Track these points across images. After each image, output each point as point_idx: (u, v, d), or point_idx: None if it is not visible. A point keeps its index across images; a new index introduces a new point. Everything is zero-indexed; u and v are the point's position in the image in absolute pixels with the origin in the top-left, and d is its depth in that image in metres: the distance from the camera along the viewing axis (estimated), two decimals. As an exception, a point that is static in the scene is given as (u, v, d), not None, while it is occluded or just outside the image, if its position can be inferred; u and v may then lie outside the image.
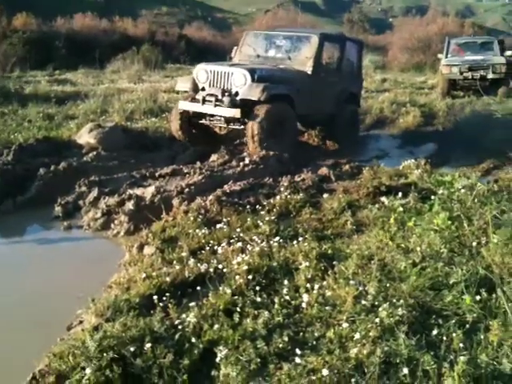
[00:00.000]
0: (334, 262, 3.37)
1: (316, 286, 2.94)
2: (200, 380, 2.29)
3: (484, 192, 4.87)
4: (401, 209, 4.33)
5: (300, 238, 3.79)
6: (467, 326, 2.69)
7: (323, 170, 6.47)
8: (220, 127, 8.02)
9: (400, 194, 4.85)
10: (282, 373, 2.24)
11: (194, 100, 7.43)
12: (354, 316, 2.69)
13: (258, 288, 3.02)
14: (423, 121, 11.05)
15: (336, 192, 5.34)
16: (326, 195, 5.08)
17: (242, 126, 7.33)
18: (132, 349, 2.38)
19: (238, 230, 4.03)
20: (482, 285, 3.02)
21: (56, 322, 3.20)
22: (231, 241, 3.76)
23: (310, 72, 7.88)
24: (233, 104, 7.01)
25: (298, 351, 2.38)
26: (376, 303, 2.79)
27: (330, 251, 3.62)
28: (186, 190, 5.42)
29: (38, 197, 5.69)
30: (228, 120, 7.36)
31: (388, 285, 3.04)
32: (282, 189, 5.25)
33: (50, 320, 3.27)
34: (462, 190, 4.61)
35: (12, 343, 3.02)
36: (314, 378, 2.17)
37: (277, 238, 3.76)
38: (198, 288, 3.10)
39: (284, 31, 9.23)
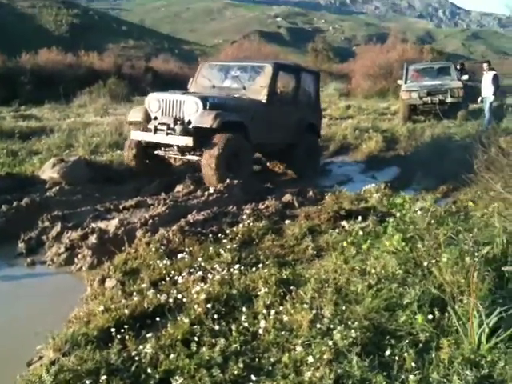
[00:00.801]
0: (293, 288, 3.43)
1: (273, 312, 3.00)
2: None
3: (441, 213, 5.04)
4: (360, 232, 4.45)
5: (261, 265, 3.85)
6: (420, 345, 2.78)
7: (287, 197, 6.56)
8: (175, 158, 7.91)
9: (360, 217, 4.98)
10: (236, 399, 2.27)
11: (146, 130, 7.36)
12: (309, 340, 2.74)
13: (216, 316, 3.06)
14: (385, 146, 11.35)
15: (298, 218, 5.43)
16: (288, 221, 5.17)
17: (197, 158, 7.23)
18: (88, 382, 2.39)
19: (200, 259, 4.06)
20: (435, 304, 3.12)
21: (17, 358, 3.16)
22: (192, 270, 3.79)
23: (264, 101, 7.89)
24: (185, 132, 6.95)
25: (253, 377, 2.42)
26: (331, 326, 2.85)
27: (289, 277, 3.69)
28: (150, 221, 5.43)
29: (1, 234, 5.62)
30: (182, 150, 7.24)
31: (344, 307, 3.12)
32: (244, 217, 5.32)
33: (10, 356, 3.23)
34: (419, 212, 4.76)
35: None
36: (267, 402, 2.20)
37: (237, 266, 3.81)
38: (158, 319, 3.12)
39: (238, 62, 9.41)
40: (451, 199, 6.85)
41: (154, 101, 7.42)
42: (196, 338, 2.81)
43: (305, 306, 3.08)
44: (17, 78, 26.15)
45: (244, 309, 3.14)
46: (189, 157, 7.41)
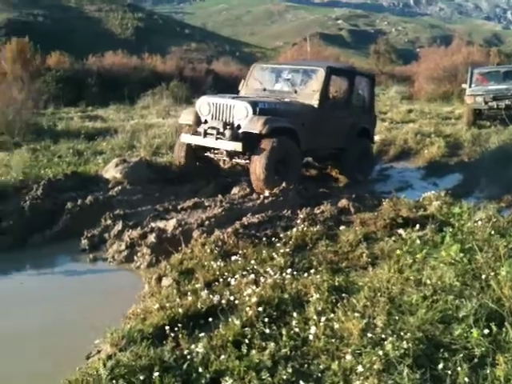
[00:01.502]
0: (346, 295, 3.42)
1: (324, 319, 3.00)
2: (205, 410, 2.36)
3: (504, 224, 4.86)
4: (417, 241, 4.36)
5: (313, 271, 3.85)
6: (475, 360, 2.70)
7: (343, 202, 6.50)
8: (224, 161, 7.88)
9: (417, 226, 4.88)
10: (284, 403, 2.29)
11: (196, 133, 7.44)
12: (359, 349, 2.73)
13: (267, 320, 3.10)
14: (448, 151, 11.01)
15: (353, 224, 5.38)
16: (343, 227, 5.13)
17: (246, 161, 7.24)
18: (141, 377, 2.49)
19: (253, 262, 4.12)
20: (492, 318, 3.02)
21: (77, 351, 3.32)
22: (245, 273, 3.84)
23: (316, 105, 7.76)
24: (234, 137, 6.94)
25: (301, 383, 2.44)
26: (383, 336, 2.82)
27: (342, 284, 3.67)
28: (206, 222, 5.55)
29: (66, 230, 5.90)
30: (231, 154, 7.27)
31: (397, 318, 3.07)
32: (299, 221, 5.33)
33: (71, 349, 3.40)
34: (479, 222, 4.62)
35: (34, 372, 3.14)
36: (315, 409, 2.21)
37: (290, 270, 3.83)
38: (210, 319, 3.19)
39: (291, 64, 9.28)
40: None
41: (205, 104, 7.46)
42: (247, 341, 2.86)
43: (356, 314, 3.06)
44: (84, 80, 27.31)
45: (295, 314, 3.16)
46: (237, 161, 7.46)
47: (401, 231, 4.82)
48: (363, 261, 4.28)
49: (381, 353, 2.62)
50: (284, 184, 6.73)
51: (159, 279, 4.18)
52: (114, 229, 5.77)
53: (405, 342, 2.71)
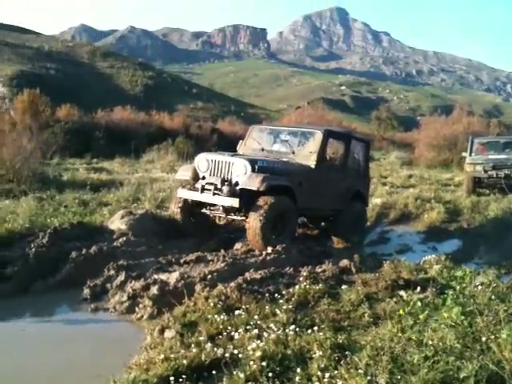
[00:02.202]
0: (348, 353, 3.45)
1: (327, 375, 3.03)
2: None
3: (503, 289, 4.93)
4: (418, 303, 4.42)
5: (316, 328, 3.89)
6: (476, 422, 2.71)
7: (344, 262, 6.57)
8: (219, 217, 8.00)
9: (419, 288, 4.94)
10: None
11: (193, 188, 7.49)
12: (363, 406, 2.75)
13: (271, 375, 3.12)
14: (448, 217, 11.15)
15: (355, 284, 5.43)
16: (344, 287, 5.19)
17: (242, 218, 7.32)
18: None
19: (256, 317, 4.16)
20: (493, 381, 3.05)
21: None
22: (248, 327, 3.88)
23: (313, 166, 7.85)
24: (232, 193, 7.01)
25: None
26: (385, 394, 2.84)
27: (344, 342, 3.70)
28: (209, 276, 5.60)
29: (69, 279, 5.95)
30: (227, 210, 7.32)
31: (399, 377, 3.10)
32: (301, 278, 5.39)
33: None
34: (480, 287, 4.69)
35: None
36: None
37: (293, 327, 3.87)
38: (214, 372, 3.21)
39: (289, 127, 9.43)
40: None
41: (204, 161, 7.54)
42: (250, 395, 2.88)
43: (359, 371, 3.09)
44: (91, 133, 27.95)
45: (298, 370, 3.18)
46: (233, 217, 7.49)
47: (402, 293, 4.87)
48: (365, 320, 4.32)
49: (384, 410, 2.64)
50: (281, 242, 6.84)
51: (162, 331, 4.20)
52: (116, 279, 5.80)
53: (407, 401, 2.74)
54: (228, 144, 28.37)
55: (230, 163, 7.26)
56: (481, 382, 3.03)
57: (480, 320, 3.73)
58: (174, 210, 7.85)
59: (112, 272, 5.99)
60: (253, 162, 7.16)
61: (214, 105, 71.64)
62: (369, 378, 3.05)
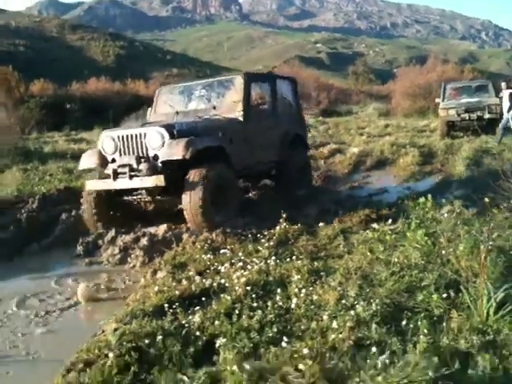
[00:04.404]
0: (323, 275, 3.83)
1: (304, 291, 3.40)
2: (203, 363, 2.72)
3: (468, 215, 5.34)
4: (389, 231, 4.80)
5: (295, 258, 4.26)
6: (434, 318, 3.11)
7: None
8: (145, 202, 6.63)
9: (390, 220, 5.32)
10: (270, 354, 2.67)
11: (104, 176, 6.22)
12: (335, 313, 3.13)
13: (255, 296, 3.49)
14: (422, 160, 11.55)
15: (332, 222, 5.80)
16: (322, 224, 5.55)
17: (174, 199, 6.17)
18: (146, 341, 2.85)
19: (240, 254, 4.52)
20: (451, 286, 3.44)
21: (83, 332, 3.65)
22: (233, 261, 4.24)
23: (241, 118, 6.88)
24: (153, 170, 5.81)
25: (285, 339, 2.82)
26: (355, 303, 3.22)
27: (320, 268, 4.08)
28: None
29: (61, 239, 6.26)
30: (152, 192, 6.11)
31: (368, 290, 3.48)
32: (281, 220, 5.73)
33: (78, 332, 3.76)
34: (445, 214, 5.08)
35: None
36: (296, 355, 2.60)
37: (273, 258, 4.23)
38: (204, 299, 3.57)
39: (202, 79, 8.22)
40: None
41: (108, 140, 6.24)
42: (237, 312, 3.24)
43: (332, 287, 3.46)
44: (67, 106, 27.75)
45: (279, 290, 3.55)
46: (163, 198, 6.30)
47: (374, 225, 5.24)
48: (340, 250, 4.70)
49: (353, 313, 3.02)
50: (228, 217, 5.99)
51: (154, 272, 4.56)
52: (107, 235, 6.10)
53: (374, 306, 3.12)
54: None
55: (141, 135, 6.03)
56: (440, 288, 3.42)
57: (443, 239, 4.11)
58: (86, 211, 6.43)
59: (102, 229, 6.28)
60: (169, 126, 6.01)
61: (190, 70, 70.77)
62: (341, 292, 3.43)
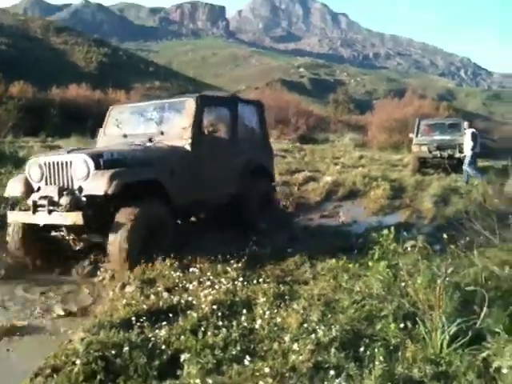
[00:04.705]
0: (288, 299, 3.98)
1: (268, 313, 3.55)
2: (167, 376, 2.83)
3: (429, 251, 5.59)
4: (354, 262, 4.99)
5: (261, 280, 4.40)
6: (391, 347, 3.29)
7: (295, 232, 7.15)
8: (73, 240, 5.68)
9: (356, 251, 5.53)
10: (232, 371, 2.80)
11: (25, 208, 5.69)
12: (297, 336, 3.27)
13: (220, 315, 3.61)
14: (392, 194, 11.88)
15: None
16: (290, 250, 5.73)
17: (99, 239, 5.40)
18: (113, 351, 2.96)
19: (209, 273, 4.64)
20: (408, 317, 3.63)
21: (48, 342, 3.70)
22: (202, 280, 4.36)
23: (188, 146, 6.20)
24: (73, 205, 5.10)
25: (248, 358, 2.96)
26: (317, 327, 3.38)
27: (286, 292, 4.23)
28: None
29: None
30: (73, 230, 5.38)
31: (330, 316, 3.65)
32: (251, 243, 5.88)
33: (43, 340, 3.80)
34: (409, 248, 5.30)
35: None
36: (257, 374, 2.73)
37: (241, 279, 4.37)
38: (171, 315, 3.68)
39: (154, 100, 7.48)
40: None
41: (35, 167, 5.65)
42: (202, 329, 3.36)
43: (296, 311, 3.62)
44: (45, 110, 27.44)
45: (244, 311, 3.68)
46: (94, 240, 5.54)
47: (341, 254, 5.44)
48: (306, 276, 4.87)
49: (313, 336, 3.17)
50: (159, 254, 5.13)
51: (123, 286, 4.63)
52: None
53: (334, 331, 3.28)
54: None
55: (67, 163, 5.41)
56: (398, 318, 3.61)
57: (403, 272, 4.31)
58: (13, 244, 5.73)
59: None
60: (96, 155, 5.32)
61: (172, 84, 70.96)
62: (304, 316, 3.58)
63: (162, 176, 5.64)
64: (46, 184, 5.55)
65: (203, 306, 3.73)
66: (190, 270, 4.77)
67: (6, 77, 31.30)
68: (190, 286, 4.25)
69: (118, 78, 57.37)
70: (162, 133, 6.43)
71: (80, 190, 5.22)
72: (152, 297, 4.00)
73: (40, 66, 56.99)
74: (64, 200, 5.16)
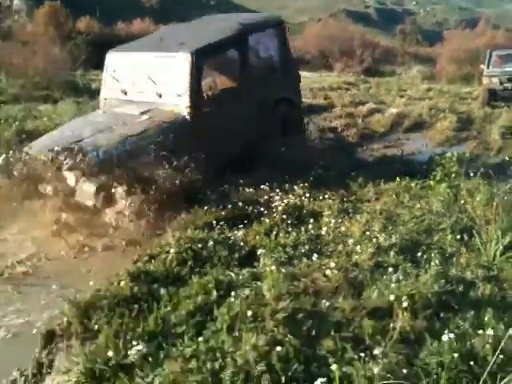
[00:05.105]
0: (351, 213, 4.32)
1: (333, 222, 3.91)
2: (246, 265, 3.29)
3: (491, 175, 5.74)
4: (415, 183, 5.22)
5: (327, 197, 4.75)
6: (446, 255, 3.58)
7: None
8: None
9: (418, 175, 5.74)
10: (302, 264, 3.21)
11: None
12: (359, 240, 3.63)
13: (289, 222, 4.02)
14: (460, 126, 11.70)
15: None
16: (353, 173, 5.99)
17: None
18: (199, 245, 3.43)
19: (278, 190, 4.98)
20: (465, 230, 3.90)
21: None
22: (271, 195, 4.73)
23: (187, 116, 5.46)
24: None
25: (315, 255, 3.35)
26: (378, 235, 3.71)
27: (349, 208, 4.56)
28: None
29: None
30: None
31: (390, 227, 3.96)
32: (316, 167, 6.14)
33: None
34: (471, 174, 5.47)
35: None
36: (324, 267, 3.12)
37: (308, 195, 4.73)
38: (245, 221, 4.12)
39: (150, 47, 6.39)
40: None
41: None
42: (274, 232, 3.78)
43: (359, 223, 3.96)
44: (112, 45, 28.05)
45: (311, 220, 4.06)
46: None
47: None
48: (369, 196, 5.15)
49: (374, 241, 3.52)
50: None
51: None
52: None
53: (394, 238, 3.61)
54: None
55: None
56: (455, 231, 3.87)
57: (463, 192, 4.53)
58: None
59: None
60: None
61: (234, 17, 69.93)
62: (366, 227, 3.92)
63: (157, 160, 4.74)
64: None
65: (274, 215, 4.13)
66: (261, 186, 5.13)
67: (73, 13, 32.07)
68: (262, 200, 4.65)
69: (179, 12, 56.99)
70: (159, 95, 5.65)
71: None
72: (229, 206, 4.44)
73: (104, 1, 57.56)
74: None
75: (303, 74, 9.36)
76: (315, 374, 2.15)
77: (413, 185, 4.99)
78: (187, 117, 5.41)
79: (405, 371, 2.15)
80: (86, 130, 5.30)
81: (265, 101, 6.30)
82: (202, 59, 5.56)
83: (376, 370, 2.11)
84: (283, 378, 2.12)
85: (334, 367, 2.08)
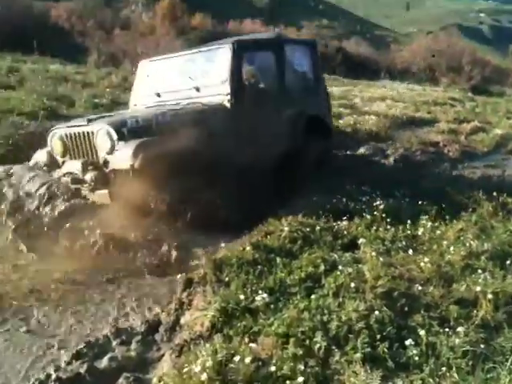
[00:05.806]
0: (448, 219, 4.65)
1: (430, 224, 4.28)
2: (348, 251, 3.77)
3: None
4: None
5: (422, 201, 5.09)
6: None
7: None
8: None
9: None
10: (399, 255, 3.63)
11: None
12: (453, 244, 3.97)
13: (389, 220, 4.43)
14: None
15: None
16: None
17: None
18: (308, 229, 3.96)
19: (378, 192, 5.40)
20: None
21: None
22: (372, 195, 5.17)
23: (227, 103, 5.42)
24: (101, 183, 4.46)
25: (411, 251, 3.75)
26: (471, 241, 4.03)
27: (447, 216, 4.87)
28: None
29: None
30: None
31: (484, 237, 4.25)
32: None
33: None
34: None
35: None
36: (418, 261, 3.52)
37: (407, 199, 5.11)
38: (348, 215, 4.60)
39: (189, 50, 6.41)
40: None
41: (57, 139, 4.98)
42: (374, 227, 4.22)
43: (454, 229, 4.30)
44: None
45: (409, 221, 4.45)
46: None
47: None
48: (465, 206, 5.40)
49: (467, 245, 3.85)
50: None
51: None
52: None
53: (486, 245, 3.91)
54: (352, 64, 28.73)
55: (89, 133, 4.74)
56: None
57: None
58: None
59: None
60: (118, 124, 4.68)
61: (339, 23, 69.94)
62: (461, 233, 4.24)
63: (198, 144, 4.52)
64: (72, 158, 4.90)
65: (375, 212, 4.56)
66: (362, 187, 5.58)
67: (187, 8, 33.92)
68: (363, 199, 5.09)
69: (287, 14, 58.14)
70: (197, 89, 5.66)
71: (106, 163, 4.57)
72: (333, 201, 4.93)
73: (218, 1, 59.87)
74: (88, 176, 4.53)
75: (408, 86, 9.43)
76: (405, 338, 2.60)
77: (510, 200, 5.19)
78: (227, 104, 5.41)
79: (483, 346, 2.54)
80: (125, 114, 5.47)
81: (299, 117, 6.23)
82: (243, 50, 5.65)
83: (457, 341, 2.53)
84: (378, 336, 2.59)
85: (421, 333, 2.54)
